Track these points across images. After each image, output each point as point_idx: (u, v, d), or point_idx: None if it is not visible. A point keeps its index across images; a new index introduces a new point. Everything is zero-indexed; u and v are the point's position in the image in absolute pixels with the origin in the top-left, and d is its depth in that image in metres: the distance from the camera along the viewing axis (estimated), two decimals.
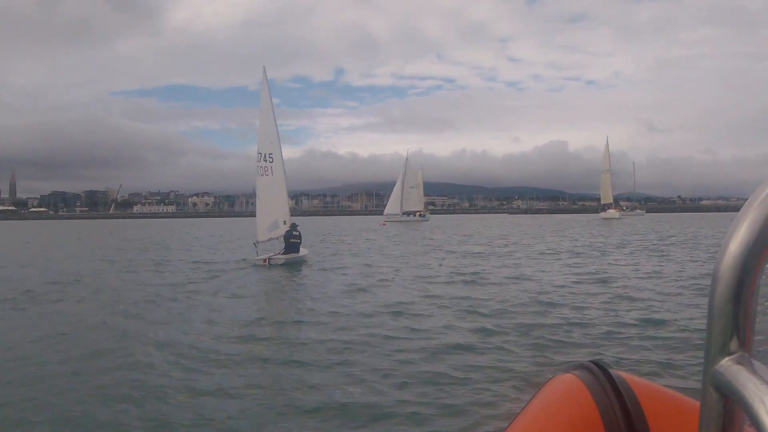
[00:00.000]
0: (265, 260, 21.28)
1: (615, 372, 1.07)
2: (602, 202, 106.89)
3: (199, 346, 8.92)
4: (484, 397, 6.49)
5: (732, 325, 0.64)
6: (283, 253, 22.05)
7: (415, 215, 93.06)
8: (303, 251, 23.21)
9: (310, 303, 13.18)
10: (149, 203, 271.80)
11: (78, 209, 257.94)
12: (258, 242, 23.10)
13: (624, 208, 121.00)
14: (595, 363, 1.11)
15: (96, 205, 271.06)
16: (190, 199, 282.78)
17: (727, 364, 0.64)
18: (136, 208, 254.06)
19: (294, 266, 21.33)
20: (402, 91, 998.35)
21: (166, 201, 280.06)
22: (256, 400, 6.56)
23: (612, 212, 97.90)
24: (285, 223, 23.64)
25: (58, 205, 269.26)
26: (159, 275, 19.53)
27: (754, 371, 0.62)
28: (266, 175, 24.14)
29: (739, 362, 0.64)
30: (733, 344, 0.65)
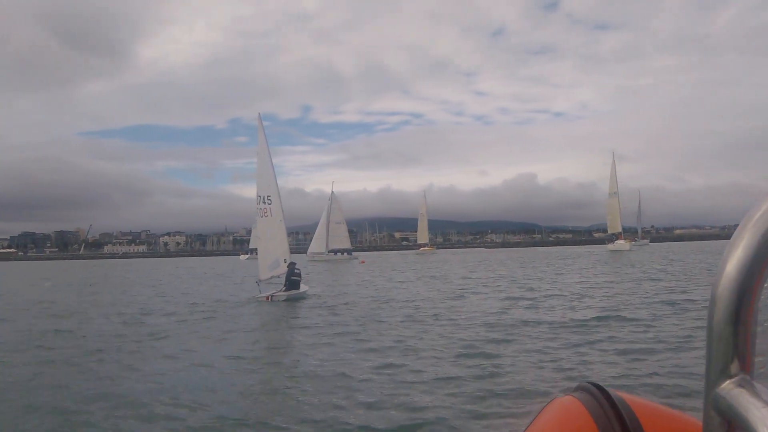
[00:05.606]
0: (267, 297, 22.41)
1: (614, 392, 1.10)
2: (609, 232, 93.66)
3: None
4: (485, 419, 6.70)
5: (732, 347, 0.63)
6: (285, 290, 23.14)
7: (342, 254, 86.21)
8: (303, 287, 24.39)
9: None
10: (120, 243, 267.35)
11: (48, 250, 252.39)
12: (260, 281, 24.09)
13: (637, 238, 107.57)
14: (595, 384, 1.14)
15: (66, 245, 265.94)
16: (161, 239, 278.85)
17: (728, 387, 0.63)
18: (107, 248, 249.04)
19: (296, 301, 22.67)
20: (370, 127, 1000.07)
21: (138, 241, 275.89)
22: None
23: (621, 243, 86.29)
24: (285, 261, 24.56)
25: (28, 245, 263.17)
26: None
27: (756, 394, 0.61)
28: (266, 216, 25.22)
29: (740, 385, 0.63)
30: (734, 367, 0.64)
